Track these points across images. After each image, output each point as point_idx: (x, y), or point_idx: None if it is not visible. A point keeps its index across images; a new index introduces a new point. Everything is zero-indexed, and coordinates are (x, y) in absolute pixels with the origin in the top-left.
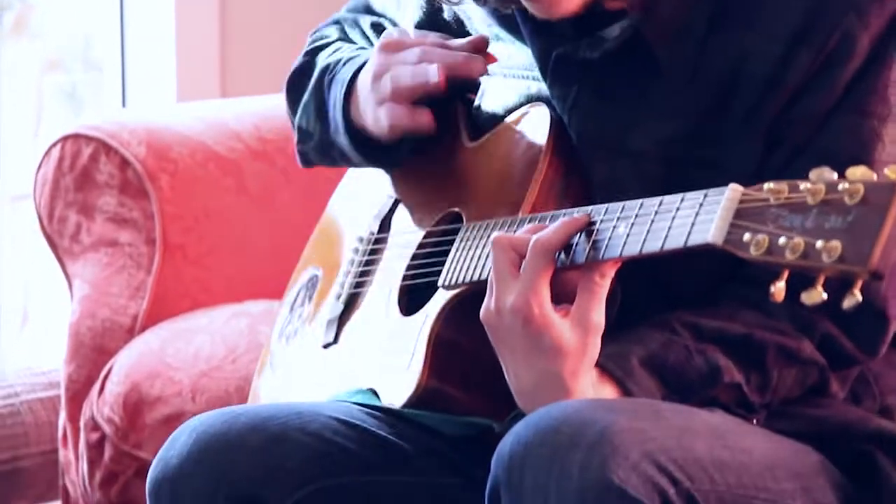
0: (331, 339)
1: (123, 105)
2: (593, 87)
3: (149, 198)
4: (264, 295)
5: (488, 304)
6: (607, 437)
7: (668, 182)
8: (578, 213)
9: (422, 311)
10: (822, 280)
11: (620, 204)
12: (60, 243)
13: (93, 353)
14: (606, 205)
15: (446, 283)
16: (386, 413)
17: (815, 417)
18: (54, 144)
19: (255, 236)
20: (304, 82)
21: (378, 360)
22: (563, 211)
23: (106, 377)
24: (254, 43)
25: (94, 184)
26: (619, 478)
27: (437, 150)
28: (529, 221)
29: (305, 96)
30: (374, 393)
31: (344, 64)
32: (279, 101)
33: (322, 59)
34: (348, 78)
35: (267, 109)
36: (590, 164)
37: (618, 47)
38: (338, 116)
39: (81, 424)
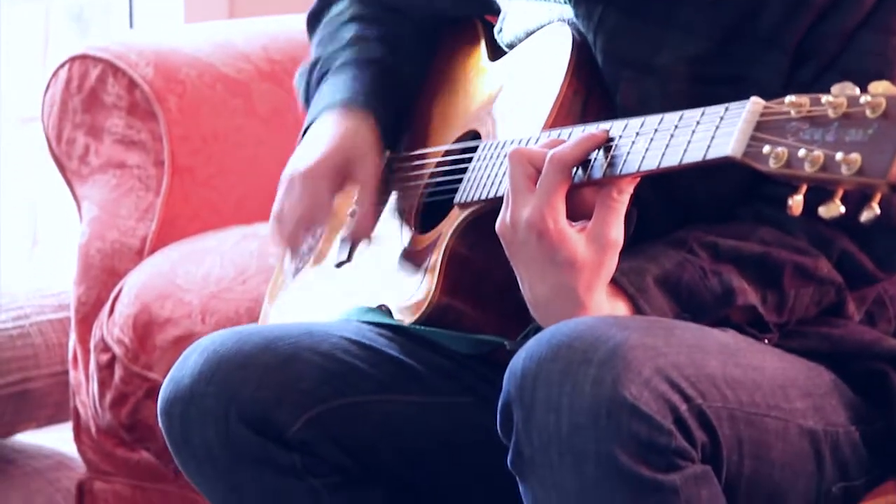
0: (344, 257)
1: (131, 26)
2: (620, 6)
3: (157, 119)
4: None
5: (504, 217)
6: (620, 354)
7: (694, 100)
8: (597, 129)
9: (436, 228)
10: (840, 193)
11: (640, 119)
12: (69, 165)
13: (102, 274)
14: (626, 120)
15: (462, 201)
16: (397, 332)
17: (829, 337)
18: (62, 66)
19: (264, 157)
20: (317, 25)
21: (391, 278)
22: (582, 126)
23: (115, 299)
24: None
25: (101, 105)
26: (632, 394)
27: (458, 69)
28: (548, 138)
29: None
30: (387, 312)
31: (325, 75)
32: (287, 21)
33: (323, 28)
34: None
35: (275, 30)
36: (615, 83)
37: None
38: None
39: (91, 346)
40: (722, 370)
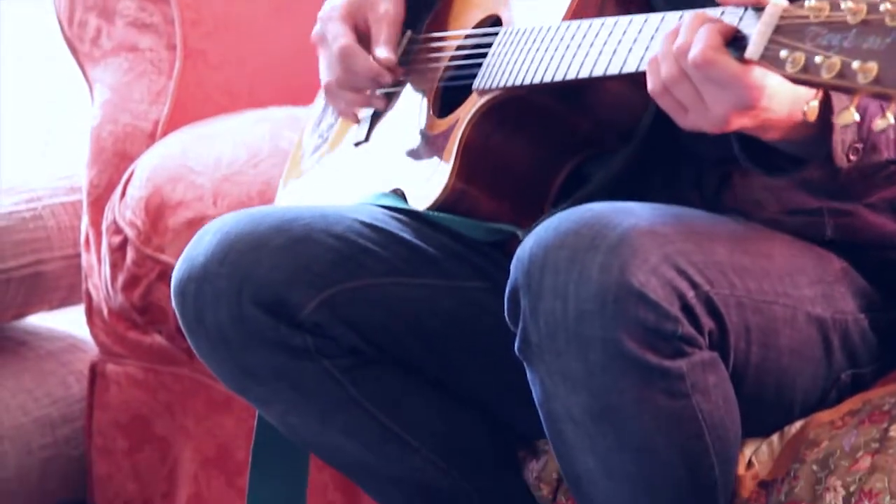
0: (362, 137)
1: None
2: None
3: (169, 2)
4: (287, 100)
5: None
6: (627, 240)
7: None
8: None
9: (454, 113)
10: (856, 101)
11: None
12: (81, 48)
13: (114, 157)
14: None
15: (481, 87)
16: (411, 217)
17: (849, 227)
18: None
19: (277, 41)
20: None
21: (408, 161)
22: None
23: (127, 182)
24: None
25: None
26: (639, 280)
27: None
28: (568, 28)
29: None
30: (401, 196)
31: None
32: None
33: None
34: None
35: None
36: None
37: None
38: None
39: (104, 228)
40: (730, 257)
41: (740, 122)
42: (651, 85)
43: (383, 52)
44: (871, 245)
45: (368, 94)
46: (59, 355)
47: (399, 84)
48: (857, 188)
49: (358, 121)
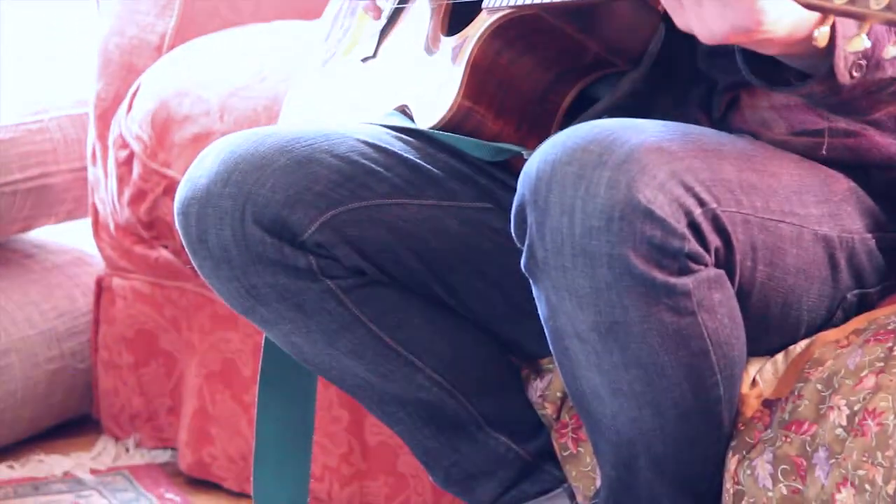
0: (370, 52)
1: None
2: None
3: None
4: (294, 15)
5: None
6: (635, 157)
7: None
8: None
9: (463, 31)
10: (867, 28)
11: None
12: None
13: (121, 70)
14: None
15: (490, 5)
16: (416, 136)
17: (855, 148)
18: None
19: None
20: None
21: (415, 78)
22: None
23: (134, 95)
24: None
25: None
26: (646, 197)
27: None
28: None
29: None
30: (407, 114)
31: None
32: None
33: None
34: None
35: None
36: None
37: None
38: None
39: (110, 142)
40: (738, 175)
41: (735, 39)
42: None
43: None
44: (878, 165)
45: None
46: (65, 268)
47: (405, 1)
48: (862, 104)
49: (379, 16)
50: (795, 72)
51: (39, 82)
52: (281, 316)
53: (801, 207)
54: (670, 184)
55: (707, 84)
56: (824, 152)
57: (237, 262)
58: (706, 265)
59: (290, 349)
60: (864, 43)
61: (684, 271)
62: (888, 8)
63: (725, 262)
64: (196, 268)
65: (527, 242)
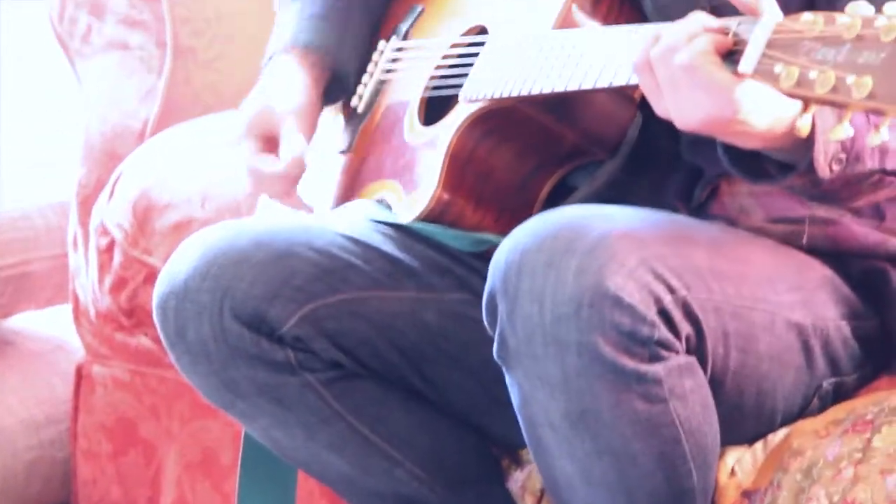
0: (346, 145)
1: None
2: None
3: None
4: None
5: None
6: (605, 244)
7: None
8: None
9: (440, 122)
10: (849, 116)
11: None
12: (71, 44)
13: (103, 157)
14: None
15: (467, 97)
16: (395, 229)
17: (833, 237)
18: None
19: (267, 40)
20: None
21: (392, 171)
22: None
23: (116, 182)
24: None
25: None
26: (615, 284)
27: None
28: (556, 38)
29: None
30: (386, 206)
31: None
32: None
33: None
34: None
35: None
36: None
37: None
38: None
39: (92, 229)
40: (708, 262)
41: (711, 129)
42: (637, 57)
43: (287, 151)
44: (855, 254)
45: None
46: (45, 356)
47: (381, 93)
48: (842, 194)
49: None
50: (775, 162)
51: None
52: (260, 410)
53: (773, 294)
54: (640, 271)
55: (686, 172)
56: (809, 242)
57: (216, 357)
58: (677, 352)
59: (270, 443)
60: (846, 131)
61: (655, 359)
62: (870, 97)
63: (697, 349)
64: (174, 362)
65: (498, 331)
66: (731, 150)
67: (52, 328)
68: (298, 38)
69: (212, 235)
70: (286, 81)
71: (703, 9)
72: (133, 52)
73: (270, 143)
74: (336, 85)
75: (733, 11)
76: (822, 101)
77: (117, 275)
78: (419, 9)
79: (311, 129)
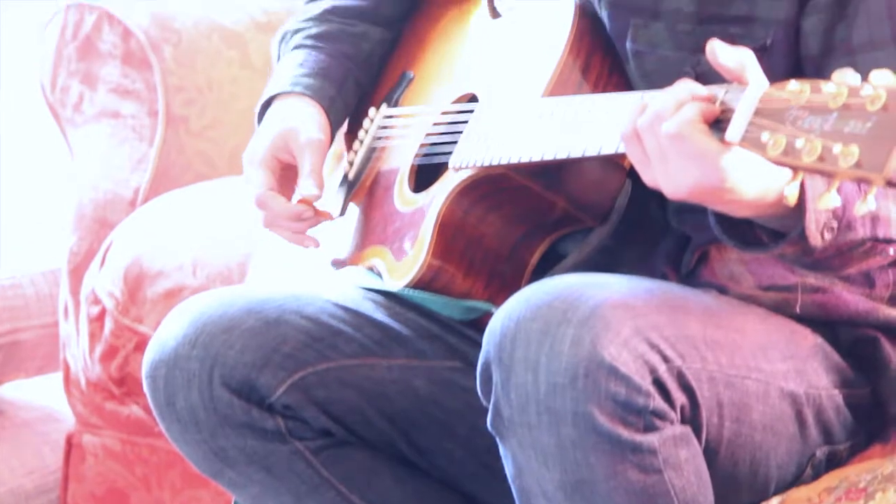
0: (337, 212)
1: None
2: None
3: (152, 69)
4: None
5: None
6: (599, 313)
7: (703, 41)
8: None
9: (430, 190)
10: (836, 184)
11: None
12: (63, 113)
13: (94, 225)
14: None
15: (457, 165)
16: (385, 296)
17: (823, 305)
18: (57, 13)
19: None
20: None
21: (383, 238)
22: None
23: (107, 250)
24: None
25: (96, 53)
26: (610, 354)
27: (458, 25)
28: (545, 106)
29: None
30: (377, 273)
31: (294, 47)
32: None
33: None
34: (268, 96)
35: None
36: (623, 33)
37: None
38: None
39: (82, 298)
40: (702, 332)
41: (700, 197)
42: (624, 128)
43: (307, 186)
44: (845, 322)
45: (299, 234)
46: (34, 425)
47: (371, 160)
48: (834, 262)
49: (306, 244)
50: (767, 230)
51: (13, 237)
52: (249, 479)
53: (766, 363)
54: (634, 340)
55: (675, 239)
56: (799, 310)
57: (205, 426)
58: (672, 422)
59: None
60: (833, 200)
61: (650, 428)
62: (857, 166)
63: (691, 418)
64: (164, 431)
65: (492, 400)
66: (722, 218)
67: (42, 397)
68: (299, 83)
69: (201, 303)
70: (305, 114)
71: (687, 75)
72: (125, 120)
73: (287, 172)
74: None
75: (720, 79)
76: (810, 170)
77: (108, 343)
78: (410, 76)
79: (320, 172)
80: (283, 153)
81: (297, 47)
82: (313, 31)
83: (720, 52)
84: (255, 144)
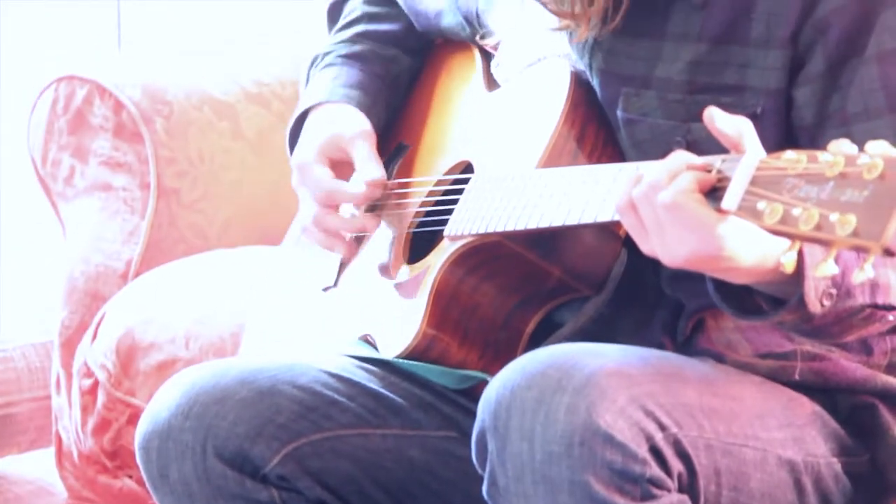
0: (331, 282)
1: (118, 46)
2: (613, 27)
3: (143, 141)
4: (259, 241)
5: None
6: (595, 381)
7: (695, 110)
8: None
9: (425, 259)
10: (833, 253)
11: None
12: (54, 187)
13: (86, 298)
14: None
15: (452, 234)
16: (379, 366)
17: (821, 372)
18: (48, 86)
19: (250, 181)
20: (336, 14)
21: (378, 307)
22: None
23: (99, 323)
24: None
25: (88, 126)
26: (606, 422)
27: (453, 95)
28: (540, 176)
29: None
30: (371, 343)
31: (325, 66)
32: (275, 43)
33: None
34: (302, 110)
35: (263, 52)
36: (615, 101)
37: None
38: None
39: (74, 371)
40: (699, 399)
41: (697, 266)
42: (619, 199)
43: (370, 170)
44: (843, 389)
45: (337, 238)
46: (27, 499)
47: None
48: (833, 330)
49: (347, 252)
50: (766, 296)
51: (4, 310)
52: None
53: (764, 431)
54: (630, 408)
55: (672, 307)
56: (797, 377)
57: (199, 497)
58: (669, 490)
59: None
60: (830, 269)
61: (646, 497)
62: (854, 234)
63: (689, 486)
64: (157, 503)
65: (488, 469)
66: (720, 285)
67: (34, 471)
68: (337, 92)
69: (194, 374)
70: (349, 116)
71: (678, 144)
72: (116, 193)
73: (339, 168)
74: None
75: (711, 148)
76: (807, 239)
77: (101, 416)
78: (405, 147)
79: (377, 157)
80: (335, 151)
81: (328, 65)
82: (345, 51)
83: (718, 118)
84: (303, 150)
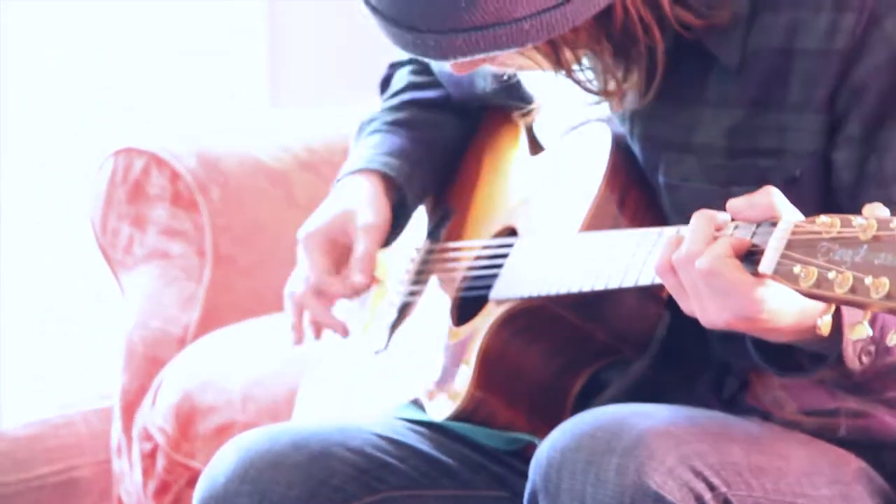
0: (381, 345)
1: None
2: (653, 94)
3: (199, 209)
4: None
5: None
6: (644, 442)
7: (735, 174)
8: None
9: (472, 322)
10: (868, 316)
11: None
12: (113, 255)
13: (145, 363)
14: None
15: (498, 297)
16: (429, 428)
17: (866, 429)
18: (107, 158)
19: None
20: (387, 86)
21: (426, 370)
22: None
23: (158, 387)
24: (303, 54)
25: (145, 196)
26: (656, 482)
27: (498, 161)
28: (583, 240)
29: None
30: (420, 405)
31: (370, 132)
32: (327, 111)
33: (388, 95)
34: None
35: (315, 120)
36: (655, 166)
37: (670, 46)
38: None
39: (135, 434)
40: (746, 458)
41: (738, 326)
42: (658, 262)
43: (356, 272)
44: (888, 446)
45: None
46: None
47: (415, 294)
48: (874, 385)
49: (296, 338)
50: (806, 353)
51: (66, 376)
52: None
53: (811, 489)
54: (680, 469)
55: (717, 366)
56: (843, 433)
57: None
58: None
59: None
60: (866, 331)
61: None
62: (888, 297)
63: None
64: None
65: None
66: (761, 345)
67: None
68: (374, 160)
69: (249, 439)
70: (364, 195)
71: (719, 207)
72: (174, 260)
73: (338, 250)
74: (399, 211)
75: None
76: (842, 301)
77: (161, 479)
78: (452, 210)
79: (380, 246)
80: (340, 235)
81: (373, 132)
82: (389, 118)
83: (740, 208)
84: (312, 224)
